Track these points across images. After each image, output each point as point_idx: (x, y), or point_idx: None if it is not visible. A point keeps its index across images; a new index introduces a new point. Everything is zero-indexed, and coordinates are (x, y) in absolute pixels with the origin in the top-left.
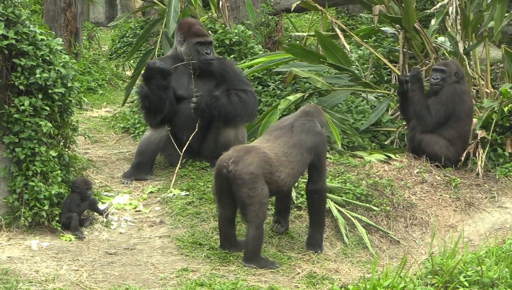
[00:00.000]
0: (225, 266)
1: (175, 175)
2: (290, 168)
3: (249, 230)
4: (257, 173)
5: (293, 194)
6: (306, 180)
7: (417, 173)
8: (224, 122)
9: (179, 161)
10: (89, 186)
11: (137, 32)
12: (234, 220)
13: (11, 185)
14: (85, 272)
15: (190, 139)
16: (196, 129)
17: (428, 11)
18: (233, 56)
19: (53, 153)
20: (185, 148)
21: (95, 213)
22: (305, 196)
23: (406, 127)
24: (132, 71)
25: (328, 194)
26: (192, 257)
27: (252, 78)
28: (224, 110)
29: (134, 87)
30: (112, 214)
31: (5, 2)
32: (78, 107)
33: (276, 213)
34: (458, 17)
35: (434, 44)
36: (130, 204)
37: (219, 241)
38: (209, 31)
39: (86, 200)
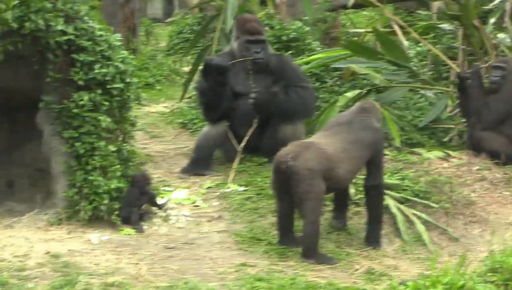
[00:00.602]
0: (284, 261)
1: (233, 170)
2: (349, 165)
3: (305, 225)
4: (315, 169)
5: (352, 190)
6: (364, 177)
7: (476, 170)
8: (282, 118)
9: (237, 157)
10: (148, 181)
11: (195, 28)
12: (292, 216)
13: (71, 179)
14: (145, 266)
15: (248, 135)
16: (255, 126)
17: (487, 7)
18: (290, 52)
19: (112, 147)
20: (242, 144)
21: (154, 208)
22: (363, 192)
23: (465, 124)
24: (190, 67)
25: (386, 191)
26: (250, 252)
27: (309, 74)
28: (282, 106)
29: (192, 82)
30: (171, 209)
31: None
32: (137, 102)
33: (334, 209)
34: None
35: (493, 41)
36: (189, 199)
37: (277, 236)
38: (266, 28)
39: (145, 195)
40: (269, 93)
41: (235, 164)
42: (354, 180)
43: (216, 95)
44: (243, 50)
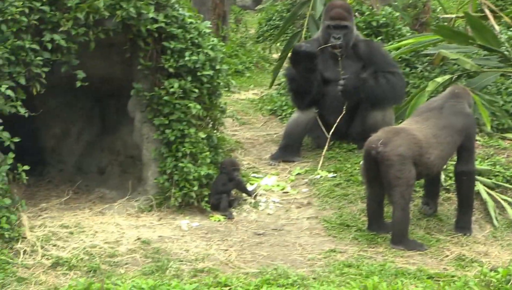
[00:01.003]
0: (373, 247)
1: (322, 157)
2: (440, 150)
3: (394, 212)
4: (405, 154)
5: (442, 176)
6: (455, 162)
7: None
8: (371, 105)
9: (327, 143)
10: (235, 167)
11: (284, 15)
12: (382, 202)
13: (162, 166)
14: (234, 252)
15: (337, 121)
16: (344, 112)
17: None
18: (380, 38)
19: (202, 134)
20: (332, 130)
21: (244, 194)
22: (453, 178)
23: None
24: (279, 54)
25: (477, 177)
26: (339, 239)
27: (399, 60)
28: (371, 92)
29: (281, 69)
30: (260, 195)
31: None
32: (226, 89)
33: (425, 195)
34: None
35: None
36: (278, 185)
37: (366, 222)
38: (356, 13)
39: (234, 181)
40: (358, 79)
41: (324, 151)
42: (445, 166)
43: (305, 82)
44: (325, 35)
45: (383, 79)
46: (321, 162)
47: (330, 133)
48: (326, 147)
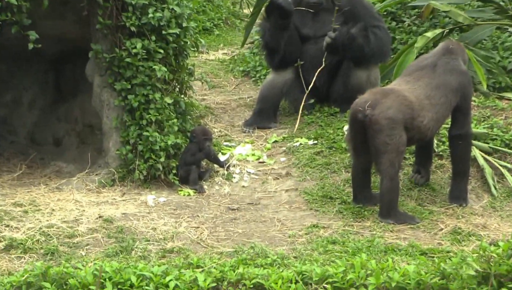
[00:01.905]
0: (359, 222)
1: (299, 117)
2: (434, 112)
3: (383, 181)
4: (396, 118)
5: (434, 141)
6: (448, 126)
7: None
8: (356, 63)
9: (303, 101)
10: (207, 136)
11: None
12: (369, 171)
13: (124, 136)
14: (206, 230)
15: (316, 74)
16: (324, 65)
17: None
18: None
19: (168, 100)
20: (311, 85)
21: (215, 166)
22: (447, 143)
23: None
24: (251, 9)
25: (473, 141)
26: (322, 212)
27: (384, 13)
28: (360, 50)
29: (254, 26)
30: (234, 166)
31: None
32: (194, 49)
33: (416, 162)
34: None
35: None
36: (253, 154)
37: (351, 194)
38: None
39: (205, 151)
40: (348, 36)
41: (300, 109)
42: (438, 130)
43: (274, 39)
44: None
45: (372, 35)
46: (297, 124)
47: (308, 90)
48: (302, 104)
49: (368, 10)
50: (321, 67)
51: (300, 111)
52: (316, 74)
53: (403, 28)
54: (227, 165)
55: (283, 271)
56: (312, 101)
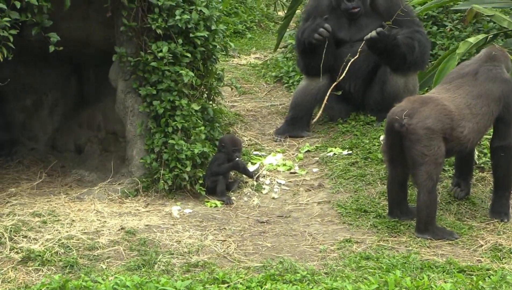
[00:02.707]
0: (395, 237)
1: (323, 105)
2: (475, 122)
3: (420, 195)
4: (434, 128)
5: (475, 153)
6: (491, 136)
7: None
8: (394, 68)
9: (329, 91)
10: (236, 147)
11: None
12: (406, 183)
13: (149, 144)
14: (233, 243)
15: (348, 65)
16: (357, 56)
17: None
18: None
19: (195, 106)
20: (341, 76)
21: (244, 176)
22: (489, 155)
23: None
24: (285, 11)
25: None
26: (356, 226)
27: (425, 17)
28: (402, 58)
29: (288, 29)
30: (264, 176)
31: None
32: (224, 53)
33: (455, 175)
34: None
35: None
36: (284, 165)
37: (387, 207)
38: None
39: (233, 161)
40: (392, 39)
41: (326, 98)
42: (479, 141)
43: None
44: None
45: (416, 43)
46: (319, 113)
47: (337, 80)
48: (328, 93)
49: (408, 14)
50: (355, 57)
51: (325, 100)
52: (350, 62)
53: (445, 33)
54: (256, 176)
55: (312, 287)
56: (339, 93)
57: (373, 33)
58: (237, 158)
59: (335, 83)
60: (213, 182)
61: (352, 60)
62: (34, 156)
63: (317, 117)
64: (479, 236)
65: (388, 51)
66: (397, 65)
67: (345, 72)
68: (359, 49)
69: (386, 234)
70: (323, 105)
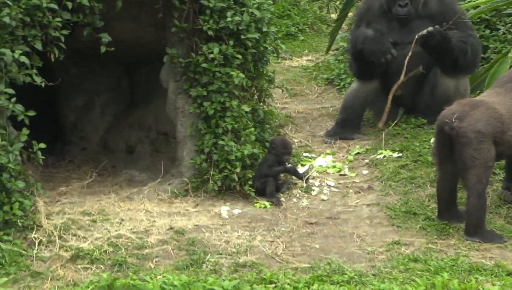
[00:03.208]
0: (444, 239)
1: (385, 114)
2: None
3: (469, 198)
4: (485, 131)
5: None
6: None
7: None
8: (445, 71)
9: (386, 110)
10: (287, 150)
11: None
12: (455, 186)
13: (199, 144)
14: (282, 244)
15: (406, 60)
16: (410, 53)
17: None
18: None
19: (246, 108)
20: (402, 78)
21: (294, 177)
22: None
23: None
24: (338, 14)
25: None
26: (405, 229)
27: (478, 20)
28: (454, 62)
29: (340, 32)
30: (313, 178)
31: None
32: (275, 55)
33: (506, 178)
34: None
35: None
36: (334, 167)
37: (436, 210)
38: None
39: (283, 163)
40: (444, 37)
41: (387, 107)
42: None
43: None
44: (388, 1)
45: (469, 48)
46: (384, 116)
47: (401, 80)
48: (389, 103)
49: (462, 17)
50: (409, 54)
51: (389, 101)
52: (408, 56)
53: (497, 37)
54: (306, 177)
55: (360, 289)
56: (400, 93)
57: (430, 28)
58: (287, 163)
59: (401, 81)
60: (262, 184)
61: (409, 55)
62: (85, 156)
63: (383, 120)
64: None
65: (441, 52)
66: (448, 67)
67: (405, 74)
68: (412, 47)
69: (435, 236)
70: (387, 106)
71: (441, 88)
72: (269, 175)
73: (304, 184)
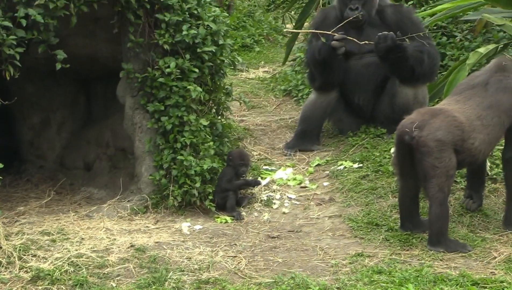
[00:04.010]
0: (407, 250)
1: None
2: (486, 134)
3: (431, 207)
4: (445, 140)
5: (487, 164)
6: (502, 147)
7: None
8: (402, 80)
9: None
10: (243, 161)
11: None
12: (417, 196)
13: (157, 160)
14: (244, 259)
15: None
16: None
17: None
18: (411, 3)
19: (204, 121)
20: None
21: (254, 189)
22: (501, 166)
23: None
24: (294, 24)
25: None
26: (368, 240)
27: (434, 28)
28: (411, 71)
29: (296, 42)
30: (274, 191)
31: None
32: (232, 67)
33: (467, 186)
34: None
35: None
36: (294, 179)
37: (399, 221)
38: None
39: (240, 177)
40: (398, 46)
41: None
42: (491, 153)
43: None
44: (340, 6)
45: (425, 56)
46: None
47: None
48: None
49: (415, 25)
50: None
51: None
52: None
53: (455, 44)
54: (262, 185)
55: None
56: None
57: (384, 32)
58: (245, 175)
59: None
60: (223, 198)
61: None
62: (43, 174)
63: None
64: (492, 248)
65: (396, 60)
66: (406, 77)
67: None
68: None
69: (398, 247)
70: None
71: (400, 98)
72: (229, 189)
73: (265, 198)
